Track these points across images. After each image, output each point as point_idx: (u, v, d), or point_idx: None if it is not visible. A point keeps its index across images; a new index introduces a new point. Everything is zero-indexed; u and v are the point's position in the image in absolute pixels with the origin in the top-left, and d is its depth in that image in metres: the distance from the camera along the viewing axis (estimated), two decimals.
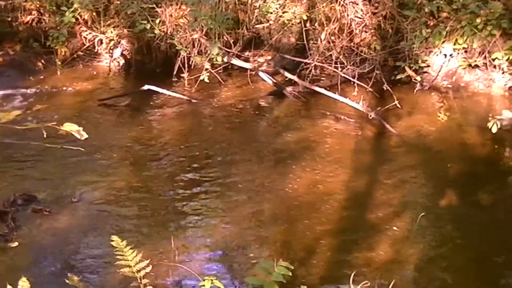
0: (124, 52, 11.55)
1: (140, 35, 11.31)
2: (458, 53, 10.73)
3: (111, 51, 11.52)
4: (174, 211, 7.26)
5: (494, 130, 6.17)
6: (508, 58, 10.25)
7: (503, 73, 10.45)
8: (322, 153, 8.60)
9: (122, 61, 11.54)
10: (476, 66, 10.63)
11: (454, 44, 10.67)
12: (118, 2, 11.52)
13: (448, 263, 6.48)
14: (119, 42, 11.49)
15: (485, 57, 10.53)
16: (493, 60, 10.46)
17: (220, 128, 9.49)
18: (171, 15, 11.18)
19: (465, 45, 10.61)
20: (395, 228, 6.90)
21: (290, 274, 4.07)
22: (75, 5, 11.38)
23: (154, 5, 11.27)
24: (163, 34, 11.10)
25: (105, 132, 9.17)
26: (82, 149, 4.95)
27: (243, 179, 7.98)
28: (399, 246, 6.62)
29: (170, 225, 7.00)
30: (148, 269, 4.25)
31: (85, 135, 3.68)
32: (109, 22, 11.57)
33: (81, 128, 3.66)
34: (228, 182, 7.93)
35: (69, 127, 3.60)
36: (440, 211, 7.34)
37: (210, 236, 6.83)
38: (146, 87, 10.24)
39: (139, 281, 4.18)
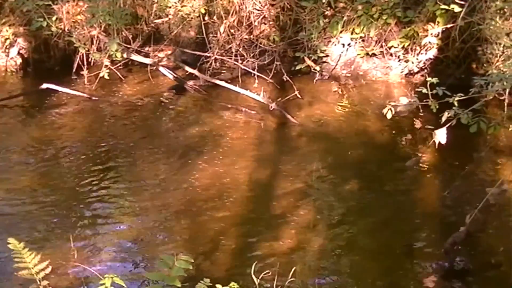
0: (21, 51, 11.28)
1: (37, 33, 11.08)
2: (356, 42, 10.92)
3: (7, 50, 11.22)
4: (76, 211, 7.16)
5: (389, 116, 6.27)
6: (404, 46, 10.49)
7: (399, 60, 10.69)
8: (225, 145, 8.63)
9: (19, 60, 11.26)
10: (374, 54, 10.84)
11: (352, 34, 10.85)
12: (13, 0, 11.25)
13: (350, 249, 6.61)
14: (15, 41, 11.21)
15: (381, 46, 10.76)
16: (390, 48, 10.69)
17: (122, 125, 9.40)
18: (68, 12, 11.00)
19: (362, 34, 10.81)
20: (297, 217, 6.98)
21: (191, 267, 4.06)
22: None
23: (50, 2, 11.04)
24: (60, 31, 10.91)
25: (2, 134, 8.97)
26: None
27: (147, 175, 7.94)
28: (301, 235, 6.70)
29: (71, 225, 6.87)
30: (48, 270, 4.18)
31: None
32: (4, 20, 11.27)
33: None
34: (131, 178, 7.89)
35: None
36: (341, 198, 7.48)
37: (112, 233, 6.76)
38: (44, 85, 10.05)
39: (38, 283, 4.11)
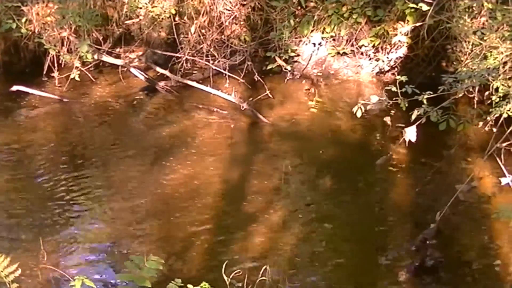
0: None
1: (7, 34, 10.98)
2: (327, 42, 10.95)
3: None
4: (46, 213, 7.14)
5: (359, 114, 6.32)
6: (374, 45, 10.55)
7: (370, 59, 10.75)
8: (197, 146, 8.63)
9: None
10: (344, 53, 10.88)
11: (322, 33, 10.88)
12: None
13: (321, 248, 6.65)
14: None
15: (352, 45, 10.81)
16: (360, 47, 10.74)
17: (93, 126, 9.37)
18: (38, 14, 10.92)
19: (333, 34, 10.83)
20: (268, 216, 7.02)
21: (161, 268, 4.08)
22: None
23: (19, 4, 10.98)
24: (30, 33, 10.83)
25: None
26: None
27: (118, 176, 7.93)
28: (273, 234, 6.76)
29: (41, 228, 6.86)
30: (18, 273, 4.18)
31: None
32: None
33: None
34: (102, 180, 7.87)
35: None
36: (313, 197, 7.53)
37: (83, 236, 6.76)
38: (15, 87, 9.98)
39: (8, 285, 4.10)
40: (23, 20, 10.77)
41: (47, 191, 7.58)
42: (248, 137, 8.99)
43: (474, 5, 9.48)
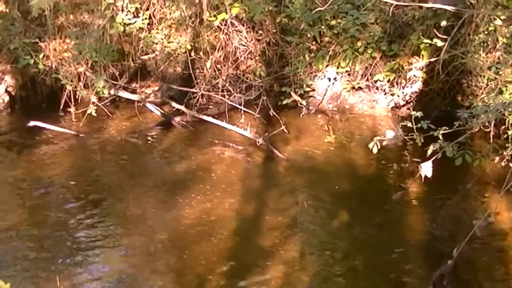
0: (8, 89, 11.28)
1: (24, 70, 11.10)
2: (342, 76, 10.98)
3: None
4: (62, 247, 7.15)
5: (374, 151, 6.33)
6: (389, 79, 10.57)
7: (385, 94, 10.77)
8: (212, 181, 8.63)
9: (6, 98, 11.25)
10: (360, 88, 10.91)
11: (337, 68, 10.92)
12: (0, 38, 11.29)
13: (338, 283, 6.61)
14: (3, 79, 11.22)
15: (367, 79, 10.84)
16: (375, 82, 10.77)
17: (109, 162, 9.41)
18: (55, 49, 11.05)
19: (348, 68, 10.89)
20: (284, 252, 6.99)
21: None
22: None
23: (37, 40, 11.12)
24: (47, 68, 10.95)
25: None
26: None
27: (134, 211, 7.93)
28: (289, 270, 6.72)
29: (57, 262, 6.87)
30: None
31: None
32: None
33: None
34: (118, 215, 7.86)
35: None
36: (329, 232, 7.51)
37: (99, 270, 6.76)
38: (32, 123, 10.06)
39: None
40: (41, 55, 10.89)
41: (64, 226, 7.58)
42: (264, 172, 8.98)
43: (489, 39, 9.51)
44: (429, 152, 6.18)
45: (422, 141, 6.30)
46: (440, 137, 6.27)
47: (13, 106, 11.22)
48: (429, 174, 6.03)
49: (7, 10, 11.50)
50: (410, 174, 8.36)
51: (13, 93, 11.26)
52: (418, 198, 8.08)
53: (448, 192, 8.07)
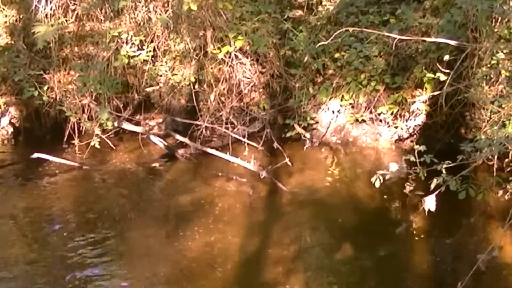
0: (12, 120, 11.35)
1: (28, 102, 11.18)
2: (345, 109, 11.00)
3: None
4: (64, 281, 7.09)
5: (377, 185, 6.34)
6: (392, 112, 10.58)
7: (388, 126, 10.77)
8: (215, 214, 8.61)
9: (10, 129, 11.32)
10: (363, 120, 10.92)
11: (341, 100, 10.95)
12: (5, 70, 11.36)
13: None
14: (7, 110, 11.30)
15: (371, 112, 10.85)
16: (379, 114, 10.78)
17: (113, 194, 9.40)
18: (59, 81, 11.12)
19: (352, 101, 10.91)
20: (288, 285, 6.95)
21: None
22: None
23: (41, 72, 11.19)
24: (52, 100, 11.00)
25: None
26: None
27: (137, 244, 7.90)
28: None
29: None
30: None
31: None
32: None
33: None
34: (121, 248, 7.83)
35: None
36: (332, 266, 7.45)
37: None
38: (36, 155, 10.08)
39: None
40: (45, 87, 10.97)
41: (66, 259, 7.54)
42: (267, 205, 8.97)
43: (492, 73, 9.53)
44: (432, 185, 6.18)
45: (425, 175, 6.30)
46: (444, 171, 6.28)
47: (17, 138, 11.29)
48: (433, 208, 6.02)
49: (13, 42, 11.61)
50: (413, 208, 8.33)
51: (17, 125, 11.34)
52: (422, 231, 8.03)
53: (451, 226, 8.04)
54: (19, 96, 11.23)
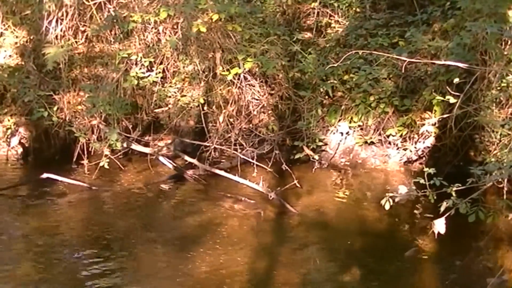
0: (22, 140, 11.39)
1: (38, 122, 11.20)
2: (354, 131, 11.01)
3: (8, 139, 11.33)
4: None
5: (387, 207, 6.32)
6: (401, 134, 10.58)
7: (397, 148, 10.76)
8: (224, 235, 8.59)
9: (20, 150, 11.36)
10: (372, 142, 10.92)
11: (350, 122, 10.96)
12: (15, 90, 11.41)
13: None
14: (17, 130, 11.34)
15: (380, 134, 10.85)
16: (388, 136, 10.78)
17: (121, 215, 9.38)
18: (69, 102, 11.16)
19: (360, 123, 10.92)
20: None
21: None
22: None
23: (51, 92, 11.23)
24: (61, 121, 11.04)
25: (2, 223, 8.92)
26: None
27: (145, 265, 7.87)
28: None
29: None
30: None
31: None
32: (5, 110, 11.45)
33: None
34: (129, 269, 7.79)
35: None
36: (341, 287, 7.42)
37: None
38: (45, 175, 10.10)
39: None
40: (55, 108, 11.00)
41: (75, 279, 7.53)
42: (276, 227, 8.95)
43: (502, 95, 9.53)
44: (442, 208, 6.15)
45: (435, 197, 6.28)
46: (453, 193, 6.25)
47: (26, 158, 11.32)
48: (442, 231, 6.00)
49: (23, 63, 11.65)
50: (422, 230, 8.31)
51: (26, 145, 11.37)
52: (431, 255, 8.00)
53: (461, 249, 7.99)
54: (29, 116, 11.26)
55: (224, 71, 10.99)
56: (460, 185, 6.28)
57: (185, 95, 11.44)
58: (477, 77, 9.31)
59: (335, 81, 11.17)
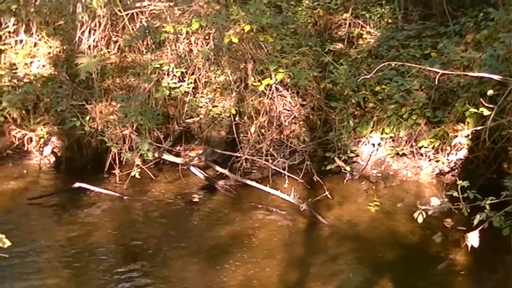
0: (54, 150, 11.51)
1: (70, 132, 11.30)
2: (386, 142, 10.96)
3: (41, 148, 11.47)
4: None
5: (420, 220, 6.30)
6: (434, 146, 10.50)
7: (429, 160, 10.69)
8: (255, 246, 8.58)
9: (52, 159, 11.48)
10: (404, 154, 10.87)
11: (382, 134, 10.92)
12: (48, 100, 11.53)
13: None
14: (49, 140, 11.47)
15: (411, 145, 10.79)
16: (420, 148, 10.71)
17: (152, 225, 9.41)
18: (101, 112, 11.23)
19: (392, 134, 10.87)
20: None
21: None
22: (4, 104, 11.38)
23: (83, 102, 11.33)
24: (93, 130, 11.12)
25: (35, 232, 8.97)
26: (6, 256, 4.84)
27: (175, 276, 7.87)
28: None
29: None
30: None
31: (8, 243, 3.63)
32: (38, 119, 11.58)
33: (3, 236, 3.60)
34: (158, 280, 7.79)
35: None
36: None
37: None
38: (77, 184, 10.17)
39: None
40: (87, 118, 11.08)
41: None
42: (307, 238, 8.91)
43: None
44: (475, 221, 6.11)
45: (469, 211, 6.24)
46: (487, 206, 6.21)
47: (58, 167, 11.43)
48: (476, 244, 5.97)
49: (56, 73, 11.79)
50: (455, 244, 8.22)
51: (59, 154, 11.48)
52: (464, 268, 7.90)
53: (495, 263, 7.91)
54: (61, 126, 11.38)
55: (255, 81, 11.01)
56: (494, 198, 6.22)
57: (216, 106, 11.48)
58: (511, 89, 9.23)
59: (367, 92, 11.15)
